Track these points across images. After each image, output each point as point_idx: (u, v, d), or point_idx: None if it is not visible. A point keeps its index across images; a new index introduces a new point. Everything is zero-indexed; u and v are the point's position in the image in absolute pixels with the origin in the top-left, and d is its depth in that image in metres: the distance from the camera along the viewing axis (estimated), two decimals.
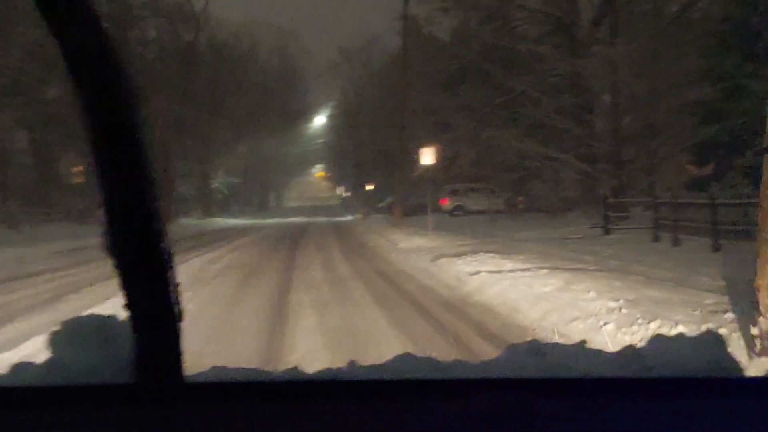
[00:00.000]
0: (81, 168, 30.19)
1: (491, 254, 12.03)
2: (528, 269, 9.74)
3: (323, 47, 66.85)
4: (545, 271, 9.43)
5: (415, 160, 21.95)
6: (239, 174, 50.96)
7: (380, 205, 44.96)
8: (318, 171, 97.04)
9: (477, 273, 9.98)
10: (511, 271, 9.74)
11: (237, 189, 52.56)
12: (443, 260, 12.11)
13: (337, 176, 77.20)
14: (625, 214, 19.14)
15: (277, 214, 51.50)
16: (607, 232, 16.94)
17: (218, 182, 46.74)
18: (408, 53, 24.19)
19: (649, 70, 19.15)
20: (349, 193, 65.23)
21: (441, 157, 21.88)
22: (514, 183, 29.12)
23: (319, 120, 57.12)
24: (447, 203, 32.38)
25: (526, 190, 30.01)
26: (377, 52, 43.88)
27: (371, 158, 41.98)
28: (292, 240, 20.06)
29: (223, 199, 50.15)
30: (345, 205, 62.71)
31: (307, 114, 56.53)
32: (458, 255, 12.40)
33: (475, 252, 12.62)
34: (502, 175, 27.71)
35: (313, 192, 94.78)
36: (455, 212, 31.66)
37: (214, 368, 1.31)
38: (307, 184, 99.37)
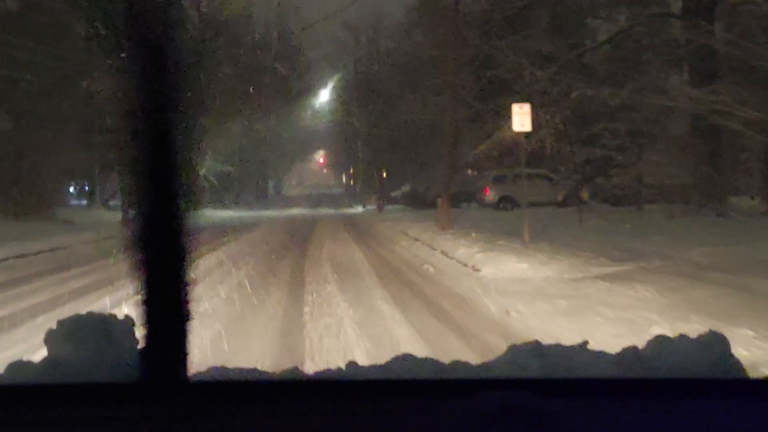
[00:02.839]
0: None
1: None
2: None
3: (326, 22, 60.61)
4: None
5: (472, 133, 15.29)
6: (232, 159, 43.74)
7: (393, 194, 38.30)
8: (320, 157, 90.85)
9: None
10: None
11: (229, 177, 45.46)
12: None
13: (341, 162, 70.30)
14: None
15: (275, 205, 44.73)
16: None
17: (206, 169, 39.65)
18: None
19: None
20: (353, 181, 58.61)
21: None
22: (594, 167, 22.22)
23: (323, 97, 49.82)
24: (490, 193, 25.43)
25: (605, 175, 23.13)
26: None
27: (387, 138, 34.97)
28: (295, 258, 13.10)
29: (211, 189, 43.14)
30: (351, 194, 56.03)
31: (308, 92, 49.26)
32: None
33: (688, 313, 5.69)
34: (577, 155, 20.73)
35: (316, 179, 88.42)
36: (501, 205, 24.72)
37: (216, 368, 1.30)
38: (308, 171, 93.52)
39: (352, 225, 21.68)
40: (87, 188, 35.41)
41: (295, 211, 34.07)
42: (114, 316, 1.30)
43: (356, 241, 15.40)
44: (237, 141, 40.11)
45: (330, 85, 48.77)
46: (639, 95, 15.04)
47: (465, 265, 10.29)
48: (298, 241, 15.61)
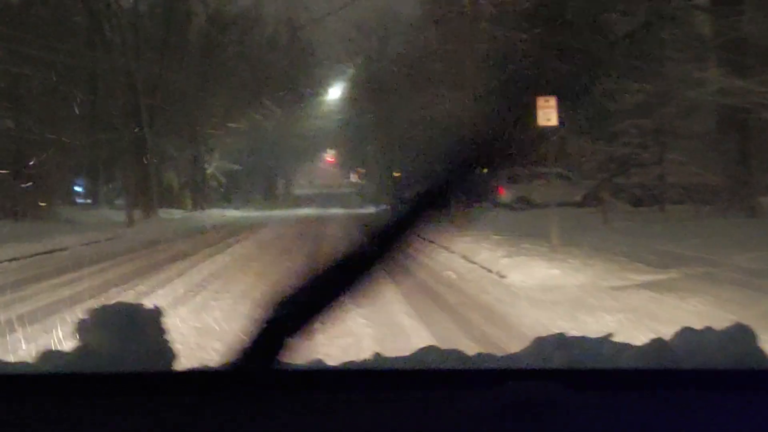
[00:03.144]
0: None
1: None
2: None
3: (336, 19, 59.83)
4: None
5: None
6: (240, 158, 42.96)
7: (407, 194, 37.38)
8: (329, 156, 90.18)
9: None
10: None
11: (238, 175, 44.73)
12: None
13: (351, 161, 69.54)
14: None
15: (284, 205, 43.97)
16: None
17: (214, 167, 38.94)
18: None
19: None
20: (363, 180, 57.82)
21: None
22: (615, 165, 21.35)
23: (333, 94, 48.94)
24: (505, 193, 24.57)
25: (626, 174, 22.26)
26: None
27: (399, 137, 34.12)
28: (303, 257, 12.34)
29: (219, 187, 42.48)
30: (360, 193, 55.22)
31: (317, 90, 48.46)
32: None
33: None
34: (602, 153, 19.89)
35: (325, 179, 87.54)
36: (516, 205, 23.86)
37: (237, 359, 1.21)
38: (317, 171, 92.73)
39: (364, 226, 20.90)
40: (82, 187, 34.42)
41: (305, 211, 33.32)
42: (142, 306, 1.34)
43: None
44: (246, 139, 39.35)
45: (340, 83, 48.12)
46: (668, 88, 14.19)
47: (489, 270, 9.50)
48: (305, 243, 14.84)
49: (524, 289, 7.89)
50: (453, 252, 12.06)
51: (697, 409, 1.08)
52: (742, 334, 1.33)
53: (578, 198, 23.78)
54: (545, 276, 8.49)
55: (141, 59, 25.90)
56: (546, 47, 16.07)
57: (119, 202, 31.72)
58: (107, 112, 26.76)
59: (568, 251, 10.11)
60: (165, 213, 29.13)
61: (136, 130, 25.27)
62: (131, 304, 1.35)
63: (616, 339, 1.50)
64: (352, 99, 43.98)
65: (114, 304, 1.35)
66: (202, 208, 35.19)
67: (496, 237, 13.00)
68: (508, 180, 24.32)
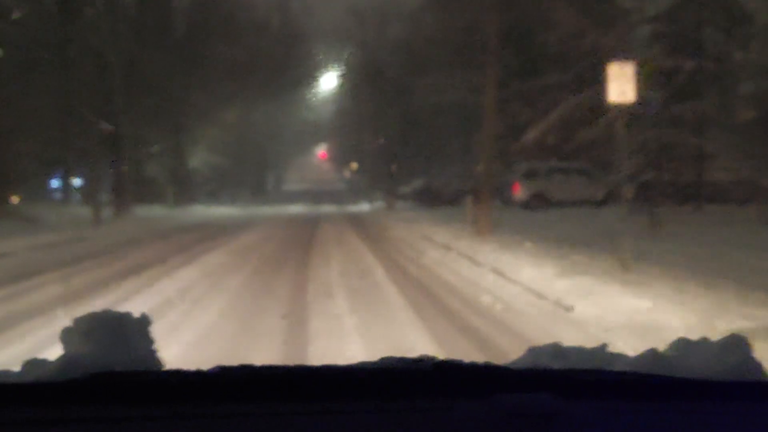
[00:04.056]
0: None
1: None
2: None
3: (329, 6, 57.30)
4: None
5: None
6: (227, 151, 40.17)
7: (403, 190, 34.82)
8: (321, 150, 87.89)
9: None
10: None
11: (225, 170, 42.07)
12: None
13: (344, 155, 67.01)
14: None
15: (274, 201, 41.29)
16: None
17: (199, 160, 36.26)
18: None
19: None
20: (358, 175, 55.38)
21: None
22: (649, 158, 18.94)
23: (327, 84, 46.18)
24: (520, 190, 22.01)
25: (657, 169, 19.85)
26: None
27: (397, 127, 31.61)
28: (290, 286, 9.76)
29: (205, 182, 39.83)
30: (353, 189, 52.66)
31: (309, 79, 45.68)
32: None
33: None
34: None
35: (316, 174, 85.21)
36: (533, 204, 21.33)
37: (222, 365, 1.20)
38: (309, 166, 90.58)
39: (361, 227, 18.32)
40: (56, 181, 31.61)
41: (296, 209, 30.68)
42: (129, 315, 1.30)
43: (372, 250, 12.10)
44: (233, 130, 36.62)
45: (333, 72, 45.45)
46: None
47: (543, 297, 6.97)
48: (294, 253, 12.24)
49: (609, 331, 5.40)
50: (480, 264, 9.56)
51: (692, 419, 1.08)
52: (737, 344, 1.31)
53: (600, 196, 21.34)
54: (631, 309, 6.00)
55: (115, 36, 23.07)
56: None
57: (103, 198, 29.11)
58: (78, 97, 23.98)
59: (643, 270, 7.63)
60: (144, 210, 26.54)
61: (109, 118, 22.56)
62: (118, 313, 1.30)
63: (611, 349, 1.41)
64: (347, 88, 41.43)
65: (101, 313, 1.30)
66: (186, 205, 32.58)
67: (530, 244, 10.53)
68: (525, 175, 21.82)
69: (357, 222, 20.65)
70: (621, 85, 7.28)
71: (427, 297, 7.47)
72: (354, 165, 57.80)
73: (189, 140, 34.06)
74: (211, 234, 16.08)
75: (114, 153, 23.12)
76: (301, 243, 13.69)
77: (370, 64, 36.04)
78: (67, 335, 1.28)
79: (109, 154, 23.10)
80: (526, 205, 21.30)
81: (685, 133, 15.53)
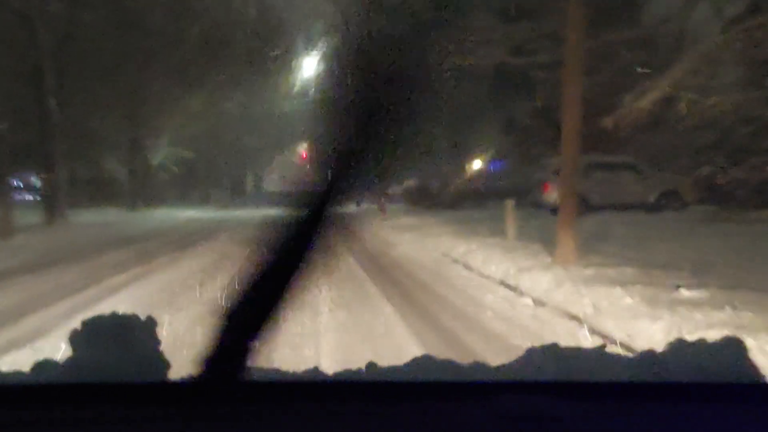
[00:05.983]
0: None
1: None
2: None
3: None
4: None
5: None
6: (198, 147, 35.61)
7: (391, 191, 30.51)
8: (303, 150, 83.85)
9: None
10: None
11: (195, 166, 37.57)
12: None
13: (325, 153, 62.72)
14: None
15: (253, 203, 37.02)
16: None
17: (162, 155, 31.65)
18: None
19: None
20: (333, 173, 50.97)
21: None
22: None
23: (307, 73, 41.89)
24: (551, 191, 17.75)
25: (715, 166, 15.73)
26: None
27: (394, 114, 27.27)
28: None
29: (173, 182, 35.33)
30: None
31: (287, 66, 41.29)
32: None
33: None
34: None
35: (301, 174, 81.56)
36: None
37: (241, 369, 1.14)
38: (291, 166, 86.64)
39: (355, 239, 13.81)
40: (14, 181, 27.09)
41: (276, 212, 26.18)
42: (136, 317, 1.28)
43: (377, 285, 7.71)
44: (202, 122, 31.98)
45: (314, 56, 41.13)
46: None
47: None
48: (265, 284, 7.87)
49: None
50: (631, 349, 5.24)
51: (689, 421, 1.06)
52: (733, 347, 1.29)
53: (652, 198, 17.21)
54: None
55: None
56: None
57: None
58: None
59: None
60: (90, 214, 22.07)
61: (34, 100, 17.99)
62: (125, 315, 1.27)
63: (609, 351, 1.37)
64: (331, 77, 37.33)
65: (109, 315, 1.27)
66: (149, 206, 28.13)
67: (688, 294, 6.23)
68: (557, 173, 17.65)
69: (347, 231, 16.14)
70: None
71: None
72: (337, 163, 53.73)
73: (150, 133, 29.46)
74: (160, 247, 11.63)
75: (43, 144, 18.43)
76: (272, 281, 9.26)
77: (358, 48, 31.58)
78: (75, 337, 1.26)
79: (37, 144, 18.44)
80: (555, 210, 17.07)
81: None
